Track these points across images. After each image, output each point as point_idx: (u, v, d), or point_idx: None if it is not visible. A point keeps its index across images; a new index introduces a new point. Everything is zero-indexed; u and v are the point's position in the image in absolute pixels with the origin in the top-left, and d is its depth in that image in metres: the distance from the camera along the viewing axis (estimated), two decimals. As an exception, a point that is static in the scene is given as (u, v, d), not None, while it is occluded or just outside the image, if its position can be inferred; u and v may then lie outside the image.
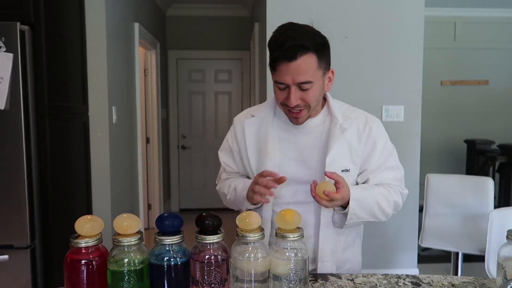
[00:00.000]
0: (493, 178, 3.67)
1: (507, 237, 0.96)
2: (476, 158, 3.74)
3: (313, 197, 1.10)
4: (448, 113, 4.31)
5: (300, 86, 1.09)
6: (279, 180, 1.14)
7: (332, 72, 1.18)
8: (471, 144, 3.85)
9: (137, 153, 3.32)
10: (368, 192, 1.17)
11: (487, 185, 2.16)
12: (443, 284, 1.05)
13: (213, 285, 0.94)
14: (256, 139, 1.26)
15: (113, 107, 2.62)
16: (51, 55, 2.00)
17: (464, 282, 1.07)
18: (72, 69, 2.30)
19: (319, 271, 1.20)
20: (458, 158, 4.14)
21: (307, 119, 1.20)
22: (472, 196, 2.21)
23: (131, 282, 0.91)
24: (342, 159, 1.18)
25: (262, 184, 1.12)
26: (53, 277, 1.95)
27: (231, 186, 1.30)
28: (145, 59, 4.07)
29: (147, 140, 4.13)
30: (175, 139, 4.92)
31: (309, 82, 1.09)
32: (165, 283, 0.92)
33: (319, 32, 1.11)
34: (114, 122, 2.63)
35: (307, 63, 1.07)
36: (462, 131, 4.24)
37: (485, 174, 3.45)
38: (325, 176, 1.10)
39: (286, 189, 1.21)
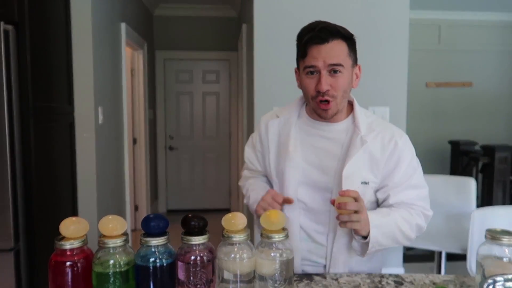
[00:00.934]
0: (476, 178, 3.74)
1: (485, 236, 0.98)
2: (460, 159, 3.81)
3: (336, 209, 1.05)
4: (433, 115, 4.37)
5: (332, 68, 1.09)
6: (286, 201, 1.15)
7: (359, 68, 1.19)
8: (455, 145, 3.91)
9: (124, 154, 3.30)
10: (388, 217, 1.12)
11: (470, 185, 2.20)
12: (425, 283, 1.07)
13: (198, 286, 0.94)
14: (278, 140, 1.26)
15: (99, 108, 2.60)
16: (36, 55, 1.97)
17: (445, 280, 1.09)
18: (57, 69, 2.28)
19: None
20: (442, 158, 4.21)
21: (335, 113, 1.17)
22: (455, 196, 2.25)
23: (117, 283, 0.91)
24: (361, 171, 1.15)
25: (267, 202, 1.14)
26: (37, 279, 1.92)
27: (248, 191, 1.33)
28: (132, 59, 4.04)
29: (134, 141, 4.11)
30: (163, 139, 4.90)
31: (341, 65, 1.09)
32: (151, 284, 0.92)
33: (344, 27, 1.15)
34: (100, 122, 2.61)
35: (338, 47, 1.09)
36: (446, 132, 4.31)
37: (469, 174, 3.52)
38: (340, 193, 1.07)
39: (303, 194, 1.20)
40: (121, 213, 3.15)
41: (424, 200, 1.21)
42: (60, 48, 2.31)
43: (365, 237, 1.10)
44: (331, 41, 1.08)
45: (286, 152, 1.21)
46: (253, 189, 1.31)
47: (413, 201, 1.18)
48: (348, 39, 1.12)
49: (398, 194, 1.16)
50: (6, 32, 1.78)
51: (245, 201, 1.36)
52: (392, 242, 1.14)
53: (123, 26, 3.21)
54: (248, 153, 1.37)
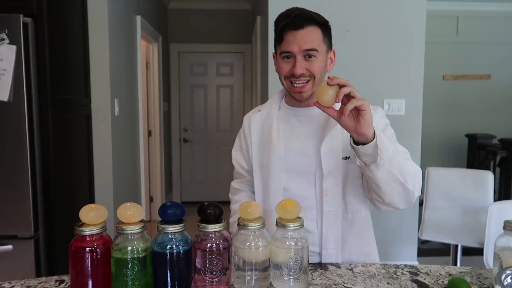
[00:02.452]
0: (494, 172, 3.68)
1: (504, 228, 0.97)
2: (477, 153, 3.75)
3: (318, 106, 0.99)
4: (449, 108, 4.30)
5: (307, 53, 1.12)
6: None
7: (334, 53, 1.22)
8: (472, 138, 3.85)
9: (139, 146, 3.34)
10: (388, 140, 1.01)
11: (487, 179, 2.17)
12: (440, 274, 1.07)
13: (214, 273, 0.96)
14: (261, 133, 1.28)
15: (116, 100, 2.63)
16: (54, 47, 2.01)
17: (462, 272, 1.08)
18: (75, 62, 2.31)
19: (322, 259, 1.19)
20: (459, 152, 4.15)
21: (311, 95, 1.16)
22: (472, 190, 2.22)
23: (135, 269, 0.92)
24: (340, 147, 1.16)
25: None
26: (56, 266, 1.97)
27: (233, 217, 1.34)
28: (147, 52, 4.07)
29: (149, 133, 4.15)
30: (177, 132, 4.94)
31: (315, 49, 1.12)
32: (168, 270, 0.94)
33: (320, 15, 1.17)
34: (116, 114, 2.65)
35: (313, 32, 1.12)
36: (463, 125, 4.24)
37: (486, 168, 3.46)
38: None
39: (288, 182, 1.21)
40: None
41: (408, 153, 1.11)
42: (77, 40, 2.34)
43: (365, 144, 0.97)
44: (306, 27, 1.11)
45: (269, 143, 1.23)
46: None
47: (390, 138, 1.11)
48: (323, 25, 1.15)
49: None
50: (25, 25, 1.82)
51: (231, 221, 1.32)
52: (396, 168, 1.00)
53: (138, 19, 3.24)
54: (235, 154, 1.39)
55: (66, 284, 0.99)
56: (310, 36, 1.11)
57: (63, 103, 2.13)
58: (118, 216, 0.94)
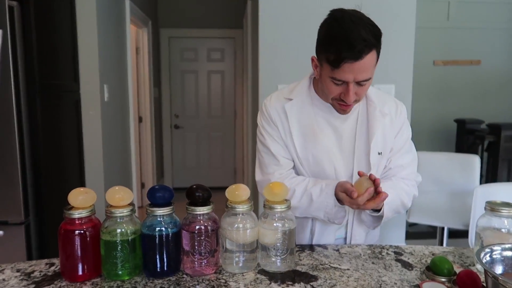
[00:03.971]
0: (482, 157, 3.73)
1: (485, 208, 1.00)
2: (466, 138, 3.79)
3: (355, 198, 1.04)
4: (439, 93, 4.33)
5: (359, 82, 1.07)
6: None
7: (378, 59, 1.13)
8: (461, 123, 3.89)
9: (130, 132, 3.32)
10: (394, 191, 1.14)
11: (474, 163, 2.21)
12: (424, 254, 1.10)
13: (203, 254, 0.97)
14: (299, 124, 1.21)
15: (105, 85, 2.61)
16: (41, 32, 1.97)
17: (444, 251, 1.11)
18: (62, 46, 2.28)
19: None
20: (448, 137, 4.19)
21: None
22: (459, 173, 2.26)
23: (124, 251, 0.94)
24: (380, 143, 1.20)
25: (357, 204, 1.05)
26: (47, 251, 1.98)
27: (297, 191, 1.18)
28: (136, 37, 4.02)
29: (140, 119, 4.13)
30: (168, 118, 4.92)
31: (369, 79, 1.08)
32: (157, 253, 0.95)
33: (372, 21, 1.07)
34: (106, 100, 2.63)
35: (370, 61, 1.04)
36: (453, 110, 4.27)
37: (474, 153, 3.49)
38: (364, 174, 1.08)
39: (330, 176, 1.20)
40: (128, 190, 3.20)
41: (415, 163, 1.28)
42: (64, 25, 2.31)
43: (376, 211, 1.15)
44: (365, 56, 1.03)
45: (312, 136, 1.19)
46: (311, 187, 1.17)
47: (409, 164, 1.25)
48: (379, 44, 1.07)
49: (398, 159, 1.23)
50: (10, 9, 1.78)
51: (293, 203, 1.17)
52: (395, 213, 1.20)
53: (127, 2, 3.19)
54: (273, 147, 1.23)
55: (56, 267, 1.00)
56: (367, 65, 1.04)
57: (52, 88, 2.11)
58: (107, 199, 0.95)
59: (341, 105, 1.13)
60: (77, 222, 0.93)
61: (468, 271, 0.89)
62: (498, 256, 0.84)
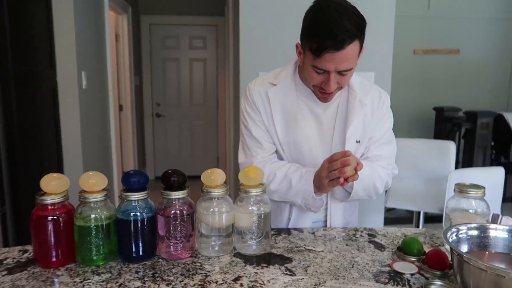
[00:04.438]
0: (459, 144, 3.82)
1: (454, 190, 1.03)
2: (444, 125, 3.87)
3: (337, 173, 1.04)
4: (419, 82, 4.39)
5: (341, 72, 1.07)
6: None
7: (363, 50, 1.12)
8: (439, 111, 3.96)
9: (110, 120, 3.28)
10: (370, 171, 1.16)
11: (450, 149, 2.26)
12: (396, 235, 1.13)
13: (179, 239, 0.98)
14: (282, 110, 1.22)
15: (83, 73, 2.56)
16: (14, 16, 1.92)
17: (416, 233, 1.15)
18: (38, 32, 2.22)
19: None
20: (427, 125, 4.27)
21: None
22: (435, 159, 2.31)
23: (99, 237, 0.93)
24: (358, 131, 1.21)
25: (336, 168, 1.04)
26: (24, 240, 1.95)
27: (278, 176, 1.18)
28: (116, 24, 3.94)
29: (120, 108, 4.07)
30: (149, 107, 4.87)
31: (351, 69, 1.08)
32: (132, 237, 0.95)
33: (358, 11, 1.07)
34: (84, 88, 2.58)
35: (351, 51, 1.04)
36: (432, 99, 4.35)
37: (452, 140, 3.58)
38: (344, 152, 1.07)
39: (310, 162, 1.21)
40: (108, 179, 3.16)
41: (393, 155, 1.29)
42: (39, 9, 2.24)
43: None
44: (347, 46, 1.02)
45: (295, 122, 1.21)
46: (292, 172, 1.18)
47: (387, 155, 1.26)
48: (362, 34, 1.07)
49: (376, 149, 1.24)
50: (-20, -9, 1.72)
51: (271, 187, 1.19)
52: (366, 195, 1.21)
53: (105, -12, 3.11)
54: (256, 131, 1.24)
55: (29, 254, 0.99)
56: (348, 56, 1.04)
57: (27, 75, 2.06)
58: (80, 184, 0.94)
59: (322, 93, 1.14)
60: (49, 208, 0.92)
61: (436, 250, 0.92)
62: (464, 235, 0.87)
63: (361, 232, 1.15)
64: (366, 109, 1.21)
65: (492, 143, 3.65)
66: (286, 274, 0.90)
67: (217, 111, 4.96)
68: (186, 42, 4.83)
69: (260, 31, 2.56)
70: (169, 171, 1.00)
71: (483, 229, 0.88)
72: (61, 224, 0.93)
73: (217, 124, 4.98)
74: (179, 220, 0.97)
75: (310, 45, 1.06)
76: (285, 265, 0.94)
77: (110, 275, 0.89)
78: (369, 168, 1.16)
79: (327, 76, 1.08)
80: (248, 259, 0.97)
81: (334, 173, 1.04)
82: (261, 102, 1.23)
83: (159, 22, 4.73)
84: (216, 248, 1.00)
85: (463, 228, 0.87)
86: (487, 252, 0.87)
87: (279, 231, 1.16)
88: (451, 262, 0.88)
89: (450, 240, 0.83)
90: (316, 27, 1.04)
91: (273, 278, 0.88)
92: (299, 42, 1.14)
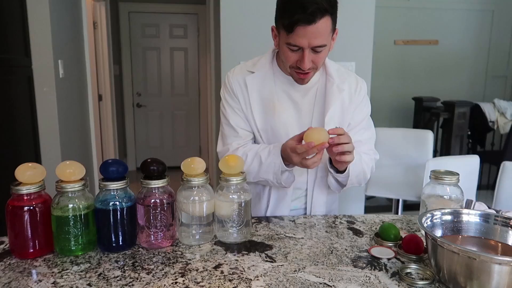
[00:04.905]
0: (437, 133, 3.90)
1: (430, 177, 1.05)
2: (423, 115, 3.94)
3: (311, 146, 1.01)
4: (399, 72, 4.45)
5: (315, 49, 1.08)
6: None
7: (336, 32, 1.14)
8: (418, 101, 4.03)
9: (89, 110, 3.21)
10: (358, 157, 1.16)
11: (427, 138, 2.30)
12: (374, 222, 1.15)
13: (159, 228, 0.97)
14: (260, 97, 1.22)
15: (59, 61, 2.49)
16: (-15, 2, 1.85)
17: (393, 219, 1.17)
18: (11, 18, 2.15)
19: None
20: (406, 114, 4.34)
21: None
22: (414, 148, 2.35)
23: (77, 227, 0.92)
24: (336, 117, 1.21)
25: (303, 150, 1.03)
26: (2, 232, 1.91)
27: (249, 156, 1.19)
28: (94, 11, 3.85)
29: (100, 97, 3.99)
30: (130, 96, 4.79)
31: (324, 45, 1.08)
32: (111, 227, 0.94)
33: None
34: (61, 77, 2.51)
35: (324, 26, 1.05)
36: (412, 89, 4.42)
37: (430, 129, 3.66)
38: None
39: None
40: (88, 170, 3.12)
41: (373, 140, 1.31)
42: (12, -5, 2.17)
43: (340, 172, 1.16)
44: (319, 20, 1.03)
45: (272, 109, 1.21)
46: (260, 150, 1.18)
47: (367, 141, 1.28)
48: (334, 11, 1.08)
49: (356, 135, 1.24)
50: (-51, -25, 1.65)
51: (245, 168, 1.16)
52: (357, 182, 1.21)
53: (81, -26, 3.03)
54: (234, 119, 1.25)
55: (6, 245, 0.97)
56: (321, 31, 1.04)
57: (0, 63, 1.99)
58: (57, 174, 0.93)
59: (298, 73, 1.15)
60: (25, 198, 0.91)
61: (412, 235, 0.95)
62: (439, 220, 0.89)
63: (341, 219, 1.17)
64: (343, 95, 1.23)
65: (469, 133, 3.75)
66: (267, 261, 0.91)
67: (199, 101, 4.92)
68: (166, 31, 4.76)
69: (241, 19, 2.54)
70: (149, 160, 0.99)
71: (456, 214, 0.91)
72: (38, 215, 0.91)
73: (199, 114, 4.95)
74: (159, 209, 0.97)
75: (282, 23, 1.08)
76: (266, 252, 0.95)
77: (89, 265, 0.89)
78: (357, 154, 1.17)
79: (302, 54, 1.09)
80: (229, 247, 0.98)
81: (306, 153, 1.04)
82: (240, 90, 1.24)
83: (138, 9, 4.64)
84: (197, 237, 1.00)
85: (438, 214, 0.89)
86: (460, 236, 0.89)
87: (259, 219, 1.16)
88: (426, 247, 0.91)
89: (425, 225, 0.85)
90: (288, 2, 1.07)
91: (253, 265, 0.89)
92: (274, 25, 1.15)
